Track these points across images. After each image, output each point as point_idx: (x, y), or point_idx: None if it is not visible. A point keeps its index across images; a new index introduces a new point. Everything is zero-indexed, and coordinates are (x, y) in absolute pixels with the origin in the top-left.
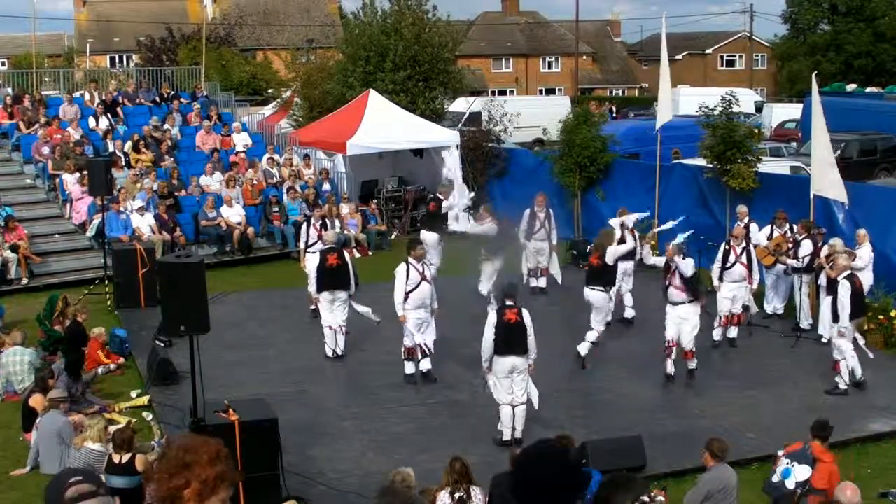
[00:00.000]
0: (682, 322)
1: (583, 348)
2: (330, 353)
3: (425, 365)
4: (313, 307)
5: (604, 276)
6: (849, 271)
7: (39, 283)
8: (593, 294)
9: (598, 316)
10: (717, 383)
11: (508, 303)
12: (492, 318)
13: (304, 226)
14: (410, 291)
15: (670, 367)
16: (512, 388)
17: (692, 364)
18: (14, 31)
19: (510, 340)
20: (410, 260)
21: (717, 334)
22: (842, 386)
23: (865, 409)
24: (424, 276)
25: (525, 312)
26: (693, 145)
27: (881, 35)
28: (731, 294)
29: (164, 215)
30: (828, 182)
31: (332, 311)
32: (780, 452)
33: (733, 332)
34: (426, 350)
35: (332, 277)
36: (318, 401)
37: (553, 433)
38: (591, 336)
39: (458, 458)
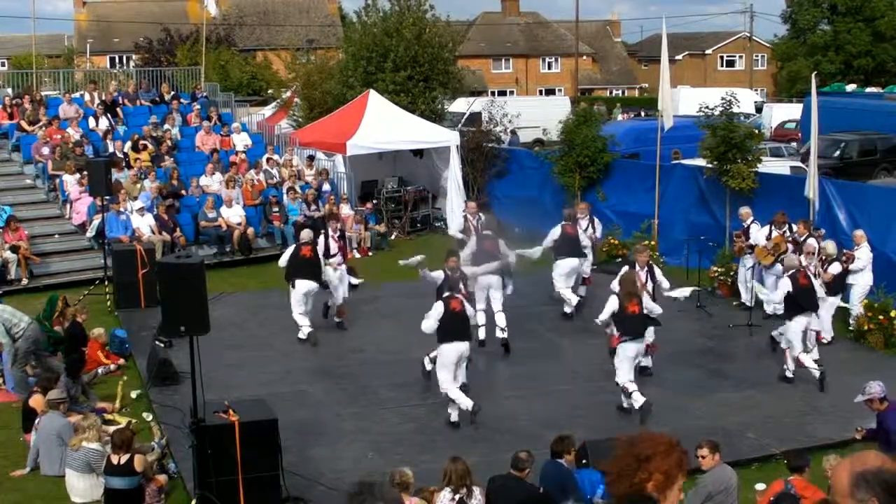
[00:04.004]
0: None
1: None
2: (303, 336)
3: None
4: (338, 320)
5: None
6: (793, 270)
7: (39, 284)
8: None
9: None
10: (716, 383)
11: (454, 293)
12: (438, 307)
13: (322, 237)
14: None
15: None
16: (456, 374)
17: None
18: (14, 31)
19: (457, 328)
20: (447, 271)
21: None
22: (788, 374)
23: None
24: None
25: (466, 302)
26: (693, 145)
27: (881, 35)
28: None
29: (163, 216)
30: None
31: (302, 301)
32: (760, 487)
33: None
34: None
35: (303, 268)
36: (318, 401)
37: (554, 433)
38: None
39: (458, 457)
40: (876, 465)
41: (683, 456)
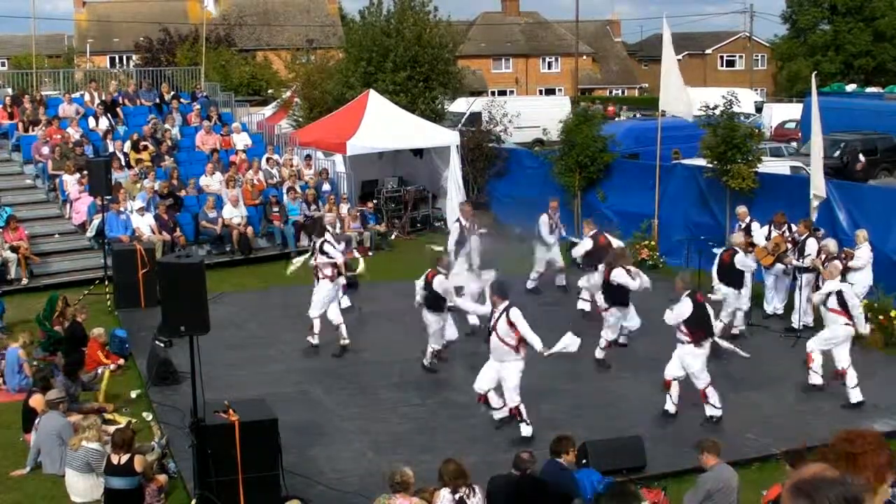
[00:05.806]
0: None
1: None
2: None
3: (525, 431)
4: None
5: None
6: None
7: (39, 284)
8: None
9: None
10: (716, 383)
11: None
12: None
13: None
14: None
15: (669, 405)
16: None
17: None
18: (14, 31)
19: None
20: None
21: None
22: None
23: (866, 409)
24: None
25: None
26: (693, 145)
27: (881, 35)
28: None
29: (164, 215)
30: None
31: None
32: (765, 493)
33: None
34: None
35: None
36: (318, 401)
37: (554, 433)
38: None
39: (451, 458)
40: (810, 474)
41: (894, 455)
